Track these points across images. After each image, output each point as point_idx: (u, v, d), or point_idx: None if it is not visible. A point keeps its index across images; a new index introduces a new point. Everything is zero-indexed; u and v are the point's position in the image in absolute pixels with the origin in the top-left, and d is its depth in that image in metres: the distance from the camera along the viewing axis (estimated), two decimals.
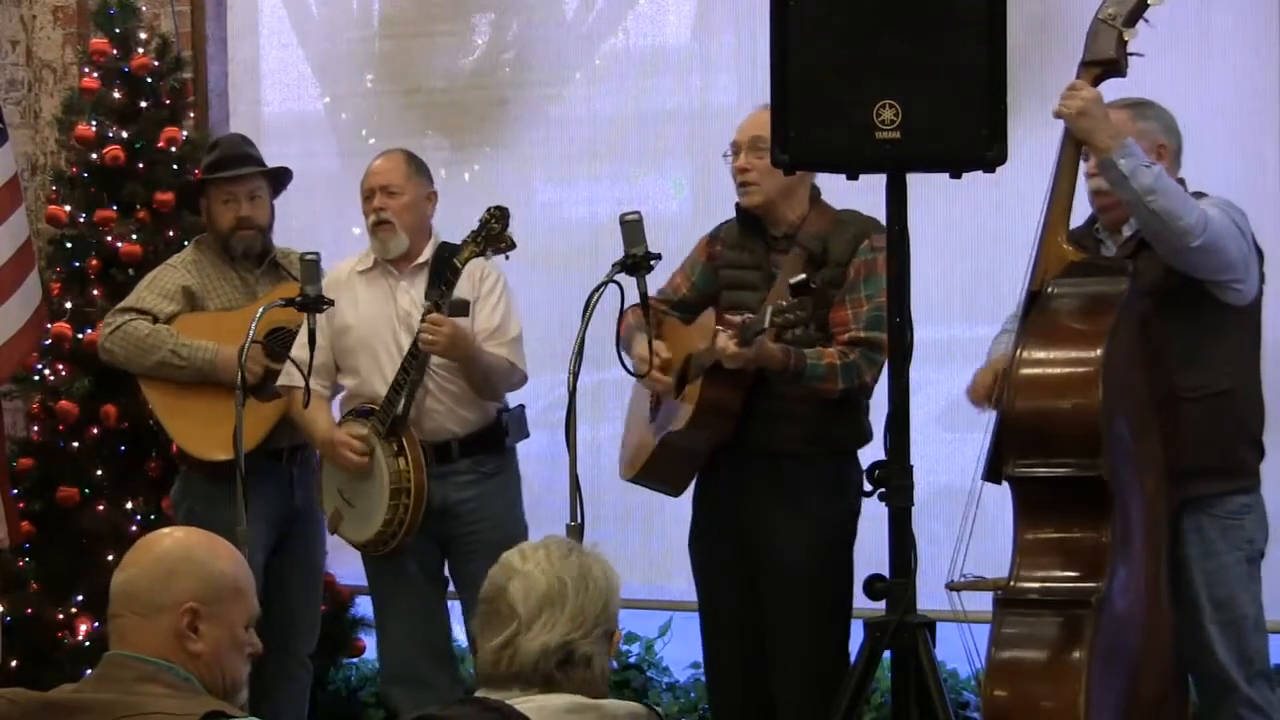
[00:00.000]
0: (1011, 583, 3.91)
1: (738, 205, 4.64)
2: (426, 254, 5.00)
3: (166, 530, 2.86)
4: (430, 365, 4.90)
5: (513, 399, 5.15)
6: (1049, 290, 4.12)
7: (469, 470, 4.99)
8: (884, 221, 4.11)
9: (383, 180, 5.03)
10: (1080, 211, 4.34)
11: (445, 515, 4.97)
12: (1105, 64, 4.19)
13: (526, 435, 5.15)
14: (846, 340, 4.45)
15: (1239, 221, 4.24)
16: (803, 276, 4.10)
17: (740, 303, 4.57)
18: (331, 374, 5.10)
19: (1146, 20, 4.20)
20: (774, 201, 4.55)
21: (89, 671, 2.78)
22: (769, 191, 4.54)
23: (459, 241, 4.84)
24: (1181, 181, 4.34)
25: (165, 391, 5.28)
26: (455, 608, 5.20)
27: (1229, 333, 4.27)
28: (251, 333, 4.89)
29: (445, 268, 4.85)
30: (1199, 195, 4.32)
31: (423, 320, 4.80)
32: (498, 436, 5.04)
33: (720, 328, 4.39)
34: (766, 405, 4.47)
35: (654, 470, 4.64)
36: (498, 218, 4.76)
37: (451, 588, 5.17)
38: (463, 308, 4.87)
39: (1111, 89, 4.24)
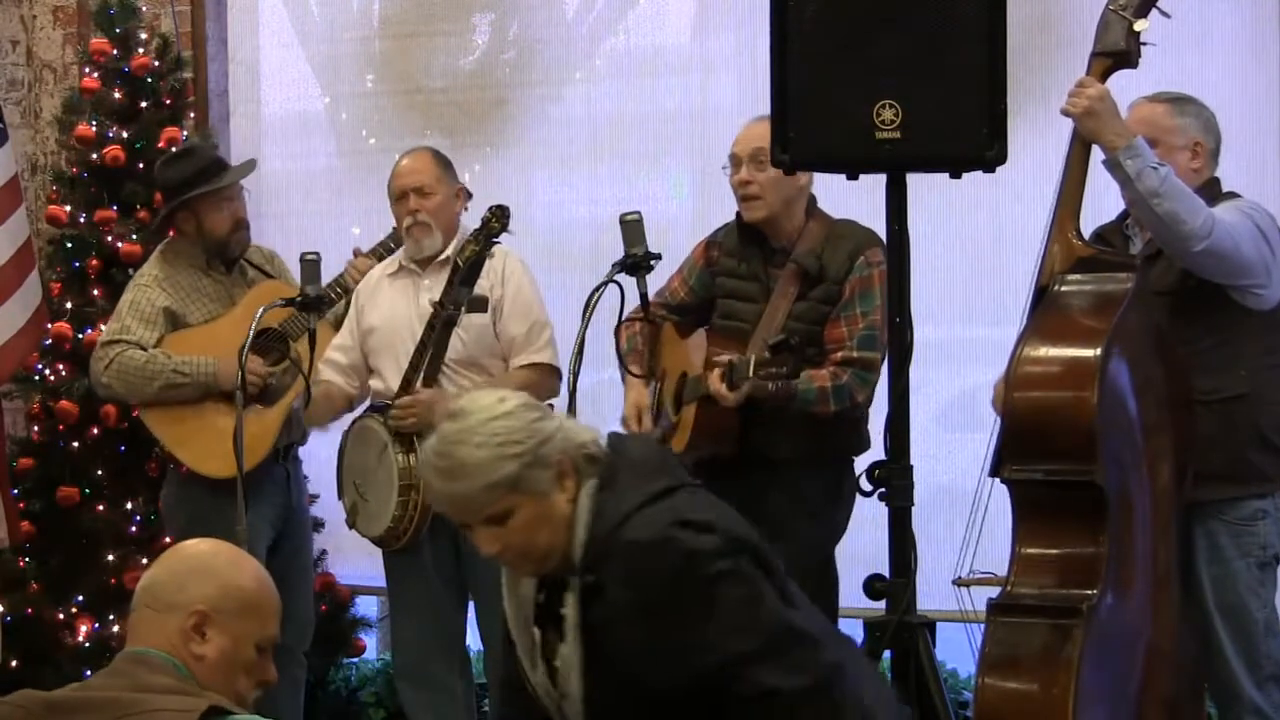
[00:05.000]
0: (1008, 587, 3.91)
1: (738, 214, 4.65)
2: (450, 251, 4.99)
3: (200, 539, 2.92)
4: (447, 364, 4.90)
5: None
6: (1055, 287, 4.10)
7: None
8: (884, 222, 4.11)
9: (415, 182, 5.01)
10: (1090, 207, 4.32)
11: None
12: (1115, 55, 4.14)
13: None
14: (840, 359, 4.46)
15: (1263, 225, 4.19)
16: (782, 337, 4.25)
17: (735, 313, 4.61)
18: (361, 374, 5.10)
19: (1161, 10, 4.18)
20: (777, 215, 4.58)
21: (89, 672, 2.80)
22: (773, 205, 4.56)
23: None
24: (1216, 181, 4.32)
25: (168, 420, 5.22)
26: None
27: (1249, 337, 4.23)
28: (252, 332, 4.89)
29: (470, 264, 4.87)
30: (1231, 195, 4.30)
31: (436, 315, 4.78)
32: None
33: (711, 368, 4.41)
34: (763, 416, 4.48)
35: None
36: (498, 216, 4.77)
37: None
38: (481, 304, 4.87)
39: (1115, 86, 4.23)
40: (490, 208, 4.81)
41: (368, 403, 5.14)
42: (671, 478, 3.05)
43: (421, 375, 4.85)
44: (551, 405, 5.01)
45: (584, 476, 3.00)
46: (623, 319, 4.44)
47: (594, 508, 2.98)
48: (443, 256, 4.99)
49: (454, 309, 4.83)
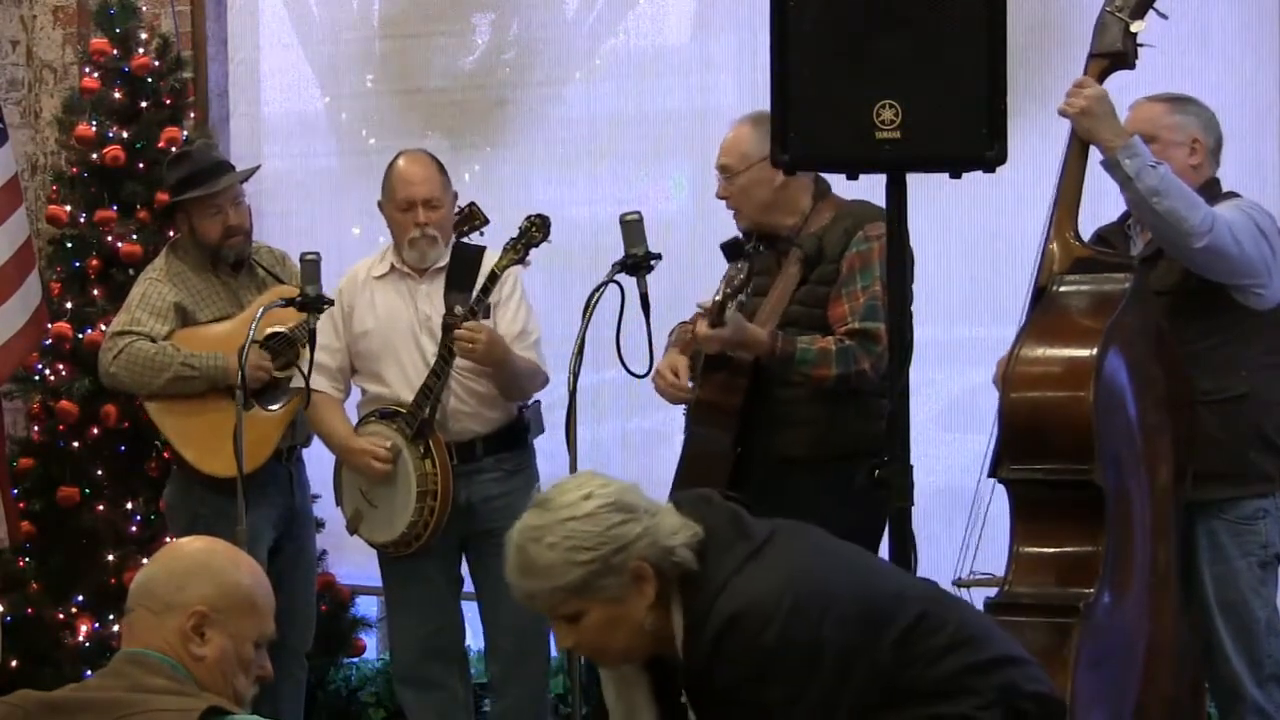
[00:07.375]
0: (1006, 586, 3.91)
1: None
2: (445, 257, 4.99)
3: (194, 537, 2.92)
4: (455, 367, 4.90)
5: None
6: (1053, 287, 4.11)
7: (493, 468, 4.99)
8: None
9: (425, 193, 4.96)
10: (1089, 208, 4.33)
11: (470, 513, 4.96)
12: (1112, 56, 4.16)
13: (543, 430, 5.13)
14: (844, 333, 4.43)
15: (1263, 225, 4.20)
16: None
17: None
18: (347, 377, 5.09)
19: (1158, 11, 4.18)
20: (760, 219, 4.55)
21: (89, 672, 2.80)
22: (750, 213, 4.55)
23: (473, 244, 4.87)
24: (1216, 180, 4.33)
25: (173, 413, 5.21)
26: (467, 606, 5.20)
27: (1249, 337, 4.24)
28: (252, 333, 4.89)
29: (465, 270, 4.85)
30: (1231, 195, 4.30)
31: (455, 327, 4.77)
32: (520, 433, 5.04)
33: (700, 317, 4.41)
34: (770, 410, 4.44)
35: (691, 475, 4.59)
36: (539, 226, 4.78)
37: (468, 587, 5.16)
38: (484, 311, 4.87)
39: (1115, 86, 4.24)
40: (530, 217, 4.81)
41: (361, 408, 5.13)
42: (748, 541, 2.96)
43: (441, 382, 4.86)
44: (538, 401, 5.05)
45: (673, 576, 2.91)
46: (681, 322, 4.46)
47: (684, 600, 2.91)
48: (440, 264, 4.99)
49: (473, 317, 4.82)
